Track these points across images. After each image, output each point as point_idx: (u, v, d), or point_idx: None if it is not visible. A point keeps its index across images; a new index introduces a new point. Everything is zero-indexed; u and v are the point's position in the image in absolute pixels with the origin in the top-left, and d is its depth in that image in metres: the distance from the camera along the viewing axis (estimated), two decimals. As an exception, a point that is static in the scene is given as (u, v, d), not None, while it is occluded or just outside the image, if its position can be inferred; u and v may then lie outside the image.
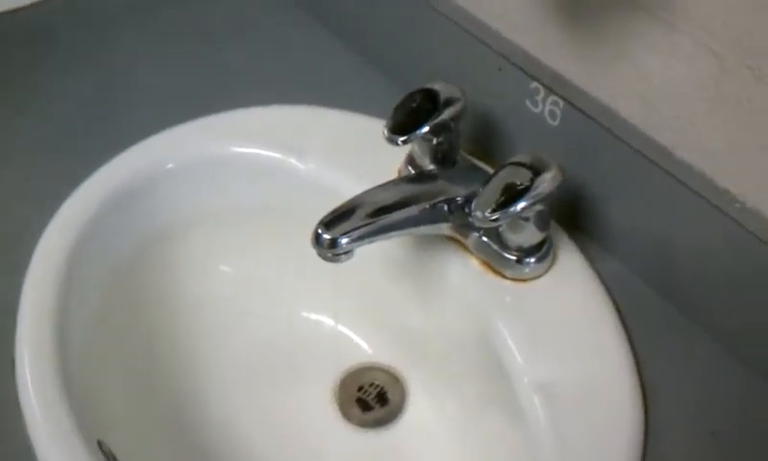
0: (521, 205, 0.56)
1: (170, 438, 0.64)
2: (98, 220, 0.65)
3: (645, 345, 0.58)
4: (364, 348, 0.71)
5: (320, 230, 0.56)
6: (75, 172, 0.67)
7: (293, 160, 0.68)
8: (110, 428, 0.59)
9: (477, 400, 0.64)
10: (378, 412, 0.68)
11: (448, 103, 0.61)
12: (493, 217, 0.56)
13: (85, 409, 0.56)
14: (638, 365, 0.57)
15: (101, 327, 0.64)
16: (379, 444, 0.67)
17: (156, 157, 0.69)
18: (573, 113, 0.61)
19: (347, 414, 0.68)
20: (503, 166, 0.58)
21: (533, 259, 0.60)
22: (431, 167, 0.64)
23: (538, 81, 0.62)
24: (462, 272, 0.62)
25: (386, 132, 0.61)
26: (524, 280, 0.61)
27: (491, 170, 0.64)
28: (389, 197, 0.59)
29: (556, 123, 0.62)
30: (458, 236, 0.62)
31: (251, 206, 0.71)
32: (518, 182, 0.56)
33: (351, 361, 0.70)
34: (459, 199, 0.60)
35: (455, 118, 0.62)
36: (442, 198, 0.60)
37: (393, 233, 0.58)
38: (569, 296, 0.60)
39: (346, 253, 0.57)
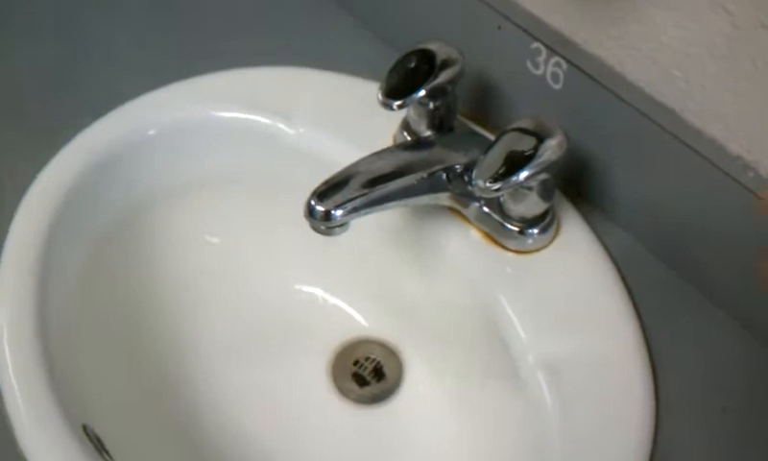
0: (525, 174, 0.53)
1: (157, 419, 0.62)
2: (76, 191, 0.62)
3: (654, 319, 0.56)
4: (359, 320, 0.69)
5: (313, 202, 0.54)
6: (48, 142, 0.64)
7: (281, 125, 0.66)
8: (95, 411, 0.57)
9: (477, 375, 0.62)
10: (375, 387, 0.66)
11: (445, 64, 0.59)
12: (495, 187, 0.54)
13: (69, 392, 0.54)
14: (647, 340, 0.55)
15: (82, 305, 0.62)
16: (376, 420, 0.65)
17: (137, 122, 0.66)
18: (577, 76, 0.58)
19: (342, 389, 0.66)
20: (505, 132, 0.55)
21: (536, 230, 0.58)
22: (428, 133, 0.61)
23: (539, 41, 0.59)
24: (461, 243, 0.60)
25: (380, 96, 0.58)
26: (527, 252, 0.59)
27: (489, 135, 0.62)
28: (385, 166, 0.57)
29: (558, 86, 0.60)
30: (457, 206, 0.60)
31: (237, 173, 0.68)
32: (521, 150, 0.54)
33: (346, 335, 0.68)
34: (458, 167, 0.58)
35: (452, 81, 0.59)
36: (440, 166, 0.57)
37: (390, 204, 0.56)
38: (574, 268, 0.58)
39: (340, 225, 0.55)
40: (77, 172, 0.62)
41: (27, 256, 0.58)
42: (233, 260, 0.69)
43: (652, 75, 0.55)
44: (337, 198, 0.54)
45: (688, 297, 0.58)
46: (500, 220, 0.58)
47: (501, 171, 0.53)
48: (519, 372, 0.55)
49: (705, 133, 0.54)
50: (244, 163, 0.68)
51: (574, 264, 0.58)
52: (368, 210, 0.55)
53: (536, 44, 0.60)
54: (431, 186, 0.57)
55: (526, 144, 0.54)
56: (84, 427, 0.54)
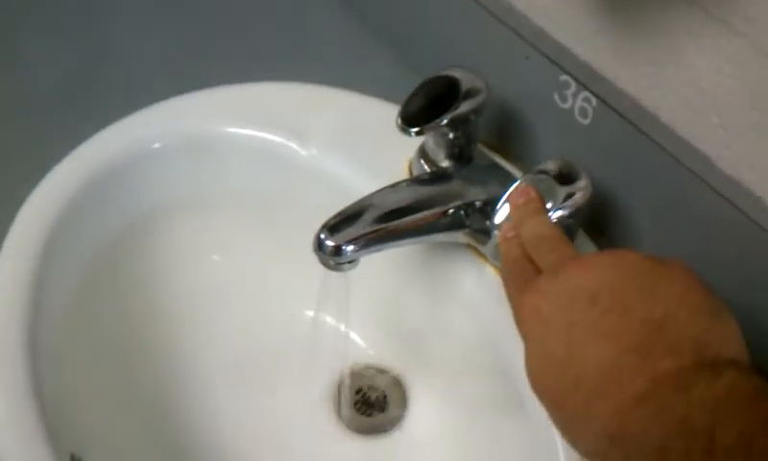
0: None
1: (151, 449, 0.60)
2: (75, 205, 0.60)
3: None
4: (364, 348, 0.67)
5: (323, 236, 0.52)
6: (50, 150, 0.62)
7: (293, 145, 0.63)
8: (85, 440, 0.55)
9: (482, 408, 0.61)
10: (377, 417, 0.64)
11: (469, 94, 0.56)
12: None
13: (58, 418, 0.52)
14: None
15: (77, 324, 0.60)
16: (378, 451, 0.63)
17: (142, 134, 0.64)
18: (607, 112, 0.55)
19: (344, 418, 0.64)
20: (528, 173, 0.53)
21: (555, 273, 0.55)
22: (445, 163, 0.59)
23: (569, 74, 0.56)
24: (477, 280, 0.58)
25: (399, 121, 0.56)
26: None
27: (510, 168, 0.60)
28: (400, 200, 0.55)
29: (587, 121, 0.57)
30: (474, 243, 0.57)
31: (245, 192, 0.66)
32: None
33: (351, 363, 0.66)
34: (477, 203, 0.55)
35: (476, 112, 0.57)
36: (458, 202, 0.55)
37: (403, 242, 0.54)
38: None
39: (350, 262, 0.52)
40: (77, 185, 0.60)
41: (20, 273, 0.56)
42: (237, 281, 0.67)
43: (688, 119, 0.52)
44: (349, 232, 0.52)
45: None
46: (519, 261, 0.55)
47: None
48: (524, 403, 0.53)
49: (742, 183, 0.51)
50: (252, 181, 0.65)
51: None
52: (380, 247, 0.53)
53: (565, 77, 0.57)
54: (448, 224, 0.55)
55: (550, 189, 0.52)
56: (72, 457, 0.52)
